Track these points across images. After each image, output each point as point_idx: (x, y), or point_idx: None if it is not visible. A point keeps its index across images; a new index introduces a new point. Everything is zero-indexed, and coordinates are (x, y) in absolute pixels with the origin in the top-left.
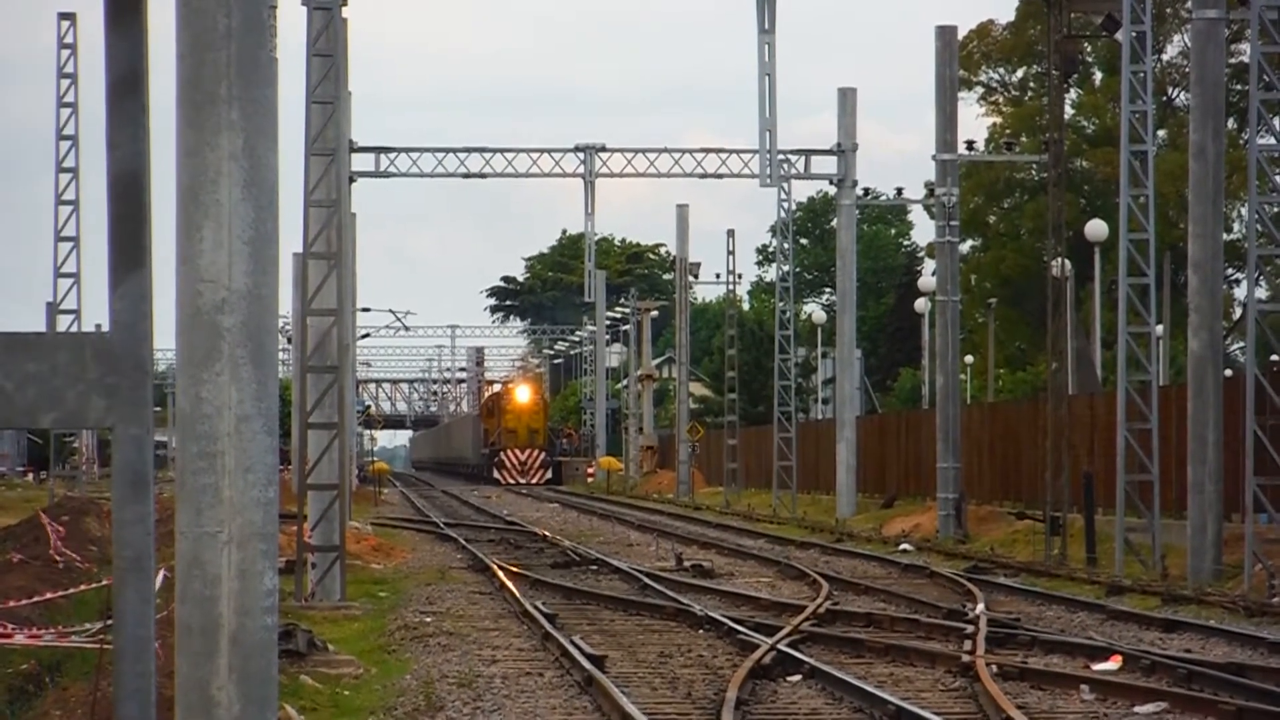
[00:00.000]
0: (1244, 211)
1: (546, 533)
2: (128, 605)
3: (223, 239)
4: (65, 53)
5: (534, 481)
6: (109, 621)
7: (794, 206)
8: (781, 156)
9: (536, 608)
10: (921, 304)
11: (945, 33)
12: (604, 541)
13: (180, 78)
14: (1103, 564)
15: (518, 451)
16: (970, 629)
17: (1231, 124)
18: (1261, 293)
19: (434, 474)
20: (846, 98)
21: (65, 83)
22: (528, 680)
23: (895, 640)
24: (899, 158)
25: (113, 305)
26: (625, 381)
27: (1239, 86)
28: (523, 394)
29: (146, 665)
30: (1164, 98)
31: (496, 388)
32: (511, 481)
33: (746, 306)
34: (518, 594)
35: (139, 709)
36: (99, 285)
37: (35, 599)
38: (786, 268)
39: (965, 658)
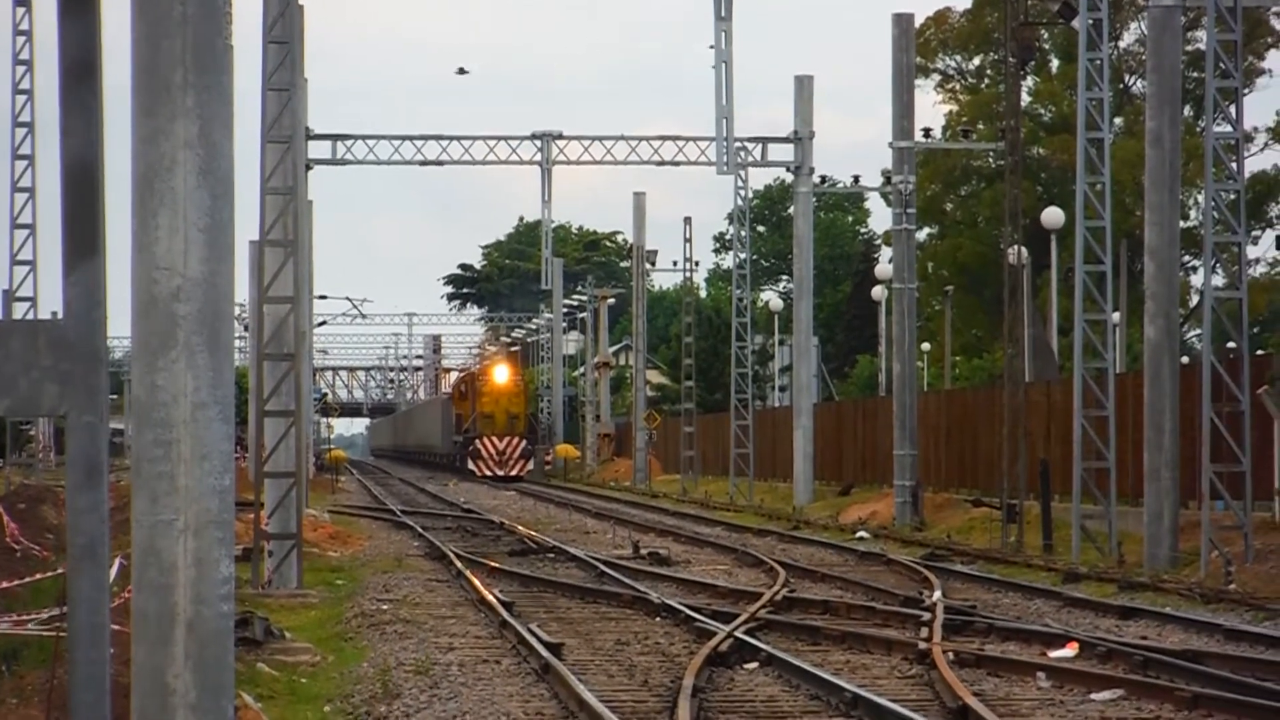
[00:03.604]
0: (1200, 199)
1: (503, 520)
2: (82, 593)
3: (178, 226)
4: (20, 39)
5: (514, 474)
6: (65, 609)
7: (751, 194)
8: (738, 144)
9: (494, 595)
10: (878, 291)
11: (902, 20)
12: (561, 529)
13: (135, 64)
14: (1059, 551)
15: (495, 440)
16: (927, 616)
17: (1188, 111)
18: (1218, 280)
19: (393, 463)
20: (803, 85)
21: (20, 69)
22: (485, 668)
23: (852, 627)
24: (856, 145)
25: (66, 293)
26: (582, 369)
27: (1195, 74)
28: (501, 374)
29: (101, 652)
30: (1121, 85)
31: (454, 376)
32: (488, 474)
33: (703, 294)
34: (476, 582)
35: (94, 696)
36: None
37: None
38: (743, 255)
39: (922, 645)
